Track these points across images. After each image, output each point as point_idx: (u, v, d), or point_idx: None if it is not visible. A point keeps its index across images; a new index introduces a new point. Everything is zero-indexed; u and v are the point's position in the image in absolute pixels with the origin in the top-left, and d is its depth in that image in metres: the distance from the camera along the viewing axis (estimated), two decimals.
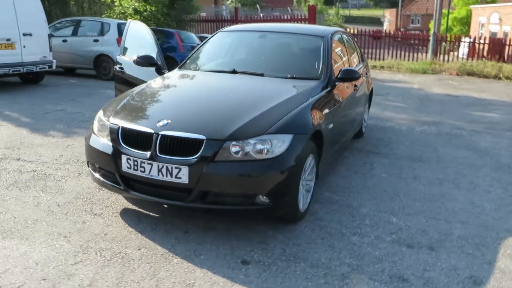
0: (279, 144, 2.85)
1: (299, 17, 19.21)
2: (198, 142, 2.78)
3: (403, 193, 3.97)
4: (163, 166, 2.81)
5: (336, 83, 3.92)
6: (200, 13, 20.34)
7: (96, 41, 10.50)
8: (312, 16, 17.61)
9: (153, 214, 3.34)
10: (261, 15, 22.21)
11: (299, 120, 3.09)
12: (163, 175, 2.82)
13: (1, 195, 3.62)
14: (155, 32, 12.92)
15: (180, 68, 4.31)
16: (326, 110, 3.57)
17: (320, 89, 3.67)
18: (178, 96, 3.56)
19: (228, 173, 2.76)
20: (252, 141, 2.78)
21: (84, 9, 17.12)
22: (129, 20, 5.81)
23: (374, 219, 3.42)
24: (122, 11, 18.36)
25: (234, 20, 19.51)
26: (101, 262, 2.69)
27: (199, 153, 2.76)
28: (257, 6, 32.90)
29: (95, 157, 3.20)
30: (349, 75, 3.91)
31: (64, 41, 10.64)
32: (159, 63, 4.43)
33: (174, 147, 2.82)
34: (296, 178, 2.96)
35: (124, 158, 2.95)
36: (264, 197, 2.83)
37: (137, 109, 3.25)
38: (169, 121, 2.93)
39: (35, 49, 8.44)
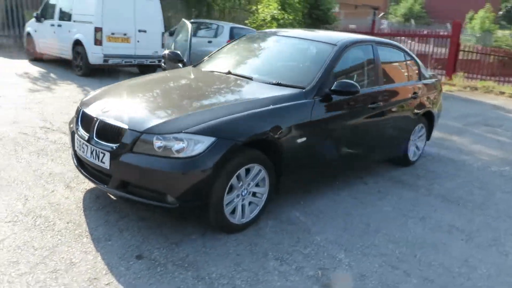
0: (195, 145, 2.74)
1: (443, 33, 17.47)
2: (122, 131, 2.87)
3: (385, 231, 3.39)
4: (94, 149, 2.98)
5: (333, 96, 3.55)
6: (337, 23, 20.16)
7: (209, 42, 11.33)
8: (456, 33, 15.84)
9: (111, 196, 3.53)
10: (401, 29, 20.91)
11: (232, 125, 2.90)
12: (93, 158, 2.99)
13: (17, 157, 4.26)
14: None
15: (194, 66, 4.44)
16: (296, 122, 3.27)
17: (296, 99, 3.38)
18: (143, 90, 3.64)
19: (140, 166, 2.78)
20: (167, 137, 2.74)
21: (225, 14, 18.50)
22: (183, 19, 6.17)
23: (319, 249, 3.01)
24: (263, 18, 19.35)
25: (371, 32, 18.81)
26: (28, 225, 2.98)
27: (119, 142, 2.85)
28: (412, 21, 31.10)
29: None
30: (344, 88, 3.50)
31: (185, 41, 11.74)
32: (185, 60, 4.65)
33: (106, 133, 2.96)
34: (211, 184, 2.80)
35: (76, 137, 3.21)
36: (171, 196, 2.76)
37: (102, 97, 3.47)
38: (110, 109, 3.08)
39: (148, 44, 9.54)
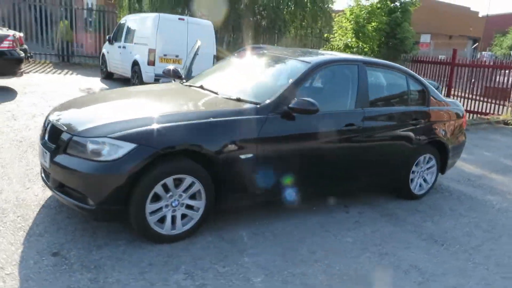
0: (117, 150, 2.81)
1: None
2: (61, 133, 3.05)
3: (327, 262, 3.10)
4: (42, 149, 3.20)
5: (294, 114, 3.42)
6: (415, 53, 19.25)
7: None
8: None
9: None
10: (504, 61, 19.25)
11: (157, 134, 2.92)
12: (41, 157, 3.22)
13: None
14: None
15: (181, 81, 4.59)
16: (240, 137, 3.20)
17: (246, 114, 3.30)
18: (108, 99, 3.79)
19: (67, 166, 2.92)
20: (93, 140, 2.85)
21: (296, 41, 18.67)
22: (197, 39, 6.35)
23: (238, 270, 2.87)
24: (337, 46, 19.22)
25: (451, 62, 17.59)
26: None
27: (57, 143, 3.03)
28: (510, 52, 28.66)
29: None
30: (301, 106, 3.36)
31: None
32: (182, 75, 4.84)
33: (53, 135, 3.17)
34: (128, 190, 2.83)
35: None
36: (90, 199, 2.85)
37: (70, 104, 3.70)
38: (64, 114, 3.29)
39: (199, 66, 9.96)
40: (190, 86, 4.14)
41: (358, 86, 3.98)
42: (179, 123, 3.04)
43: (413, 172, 4.54)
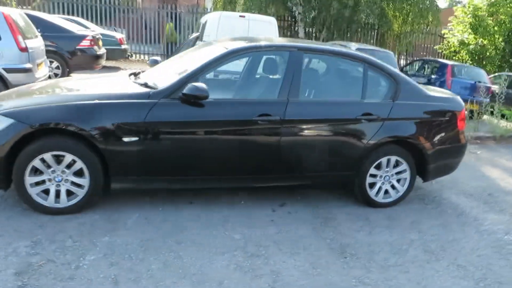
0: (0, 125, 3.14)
1: None
2: None
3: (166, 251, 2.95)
4: None
5: (190, 100, 3.34)
6: None
7: None
8: None
9: None
10: None
11: (35, 111, 3.13)
12: None
13: None
14: (426, 62, 12.05)
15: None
16: (123, 120, 3.25)
17: (136, 98, 3.34)
18: (49, 86, 3.97)
19: None
20: None
21: (401, 39, 17.22)
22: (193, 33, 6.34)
23: (61, 241, 2.94)
24: (452, 43, 17.28)
25: None
26: None
27: None
28: None
29: None
30: (191, 91, 3.28)
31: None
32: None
33: None
34: (6, 161, 3.12)
35: None
36: None
37: (17, 91, 4.07)
38: (2, 104, 3.70)
39: None
40: (130, 75, 4.27)
41: (285, 74, 3.64)
42: (62, 103, 3.24)
43: (373, 175, 3.94)
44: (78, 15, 14.47)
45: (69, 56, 9.14)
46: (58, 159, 3.25)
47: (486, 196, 4.64)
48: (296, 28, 16.50)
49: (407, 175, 4.04)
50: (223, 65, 3.61)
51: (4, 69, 6.19)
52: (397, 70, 4.09)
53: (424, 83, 8.59)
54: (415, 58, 16.15)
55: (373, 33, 16.82)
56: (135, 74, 4.20)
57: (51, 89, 3.75)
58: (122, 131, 3.27)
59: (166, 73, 3.80)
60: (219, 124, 3.48)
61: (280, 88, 3.63)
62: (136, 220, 3.39)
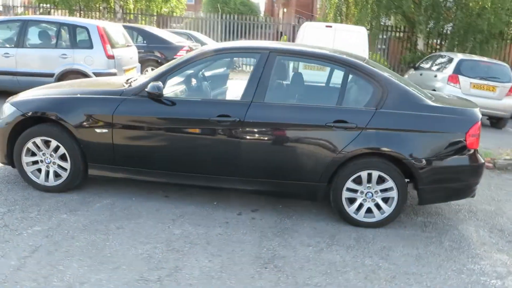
0: (7, 111, 3.83)
1: None
2: None
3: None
4: None
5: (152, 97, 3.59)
6: None
7: (435, 76, 10.01)
8: None
9: None
10: None
11: (30, 102, 3.75)
12: None
13: None
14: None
15: None
16: (95, 113, 3.66)
17: (111, 94, 3.71)
18: (67, 85, 4.57)
19: None
20: (4, 104, 3.97)
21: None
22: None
23: (25, 211, 3.47)
24: None
25: None
26: None
27: None
28: None
29: None
30: (150, 90, 3.55)
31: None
32: None
33: None
34: (8, 143, 3.78)
35: None
36: None
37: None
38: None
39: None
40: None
41: (251, 76, 3.58)
42: (51, 96, 3.80)
43: (352, 190, 3.58)
44: (219, 32, 16.20)
45: None
46: (47, 144, 3.80)
47: (495, 231, 3.77)
48: (415, 39, 15.36)
49: (394, 194, 3.55)
50: (192, 67, 3.75)
51: (94, 73, 7.33)
52: (389, 75, 3.65)
53: None
54: None
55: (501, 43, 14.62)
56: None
57: (62, 85, 4.41)
58: (94, 122, 3.66)
59: (150, 75, 4.11)
60: (177, 122, 3.62)
61: (245, 90, 3.59)
62: (103, 205, 3.73)
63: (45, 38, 7.75)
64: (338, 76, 3.60)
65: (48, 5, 17.27)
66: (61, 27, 7.62)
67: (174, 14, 18.28)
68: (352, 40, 9.74)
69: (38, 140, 3.78)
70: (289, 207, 3.96)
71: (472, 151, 3.55)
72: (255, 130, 3.55)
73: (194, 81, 3.94)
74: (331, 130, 3.48)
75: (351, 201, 3.64)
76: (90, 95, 3.78)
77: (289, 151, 3.56)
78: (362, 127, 3.47)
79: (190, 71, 3.81)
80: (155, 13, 17.95)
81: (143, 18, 17.43)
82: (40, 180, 3.88)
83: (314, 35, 9.86)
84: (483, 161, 3.63)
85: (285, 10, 37.69)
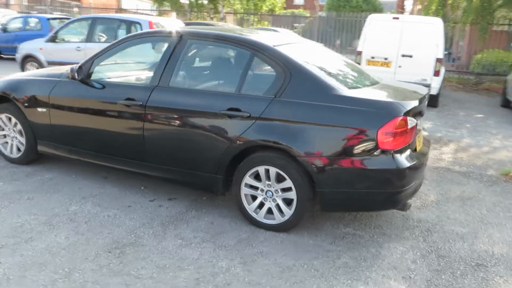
0: None
1: None
2: None
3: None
4: None
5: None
6: None
7: None
8: None
9: None
10: None
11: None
12: None
13: None
14: None
15: None
16: (36, 93, 4.02)
17: (54, 77, 4.01)
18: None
19: None
20: None
21: None
22: None
23: None
24: None
25: None
26: None
27: None
28: None
29: None
30: (70, 71, 3.72)
31: None
32: None
33: None
34: None
35: None
36: None
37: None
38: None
39: (413, 70, 8.66)
40: None
41: (160, 60, 3.49)
42: (14, 78, 4.28)
43: (252, 186, 3.25)
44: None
45: None
46: (10, 121, 4.29)
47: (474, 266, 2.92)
48: None
49: (293, 194, 3.10)
50: (115, 52, 3.80)
51: None
52: (303, 60, 3.16)
53: None
54: None
55: None
56: None
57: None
58: (36, 102, 4.01)
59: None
60: (95, 104, 3.75)
61: (153, 74, 3.52)
62: (42, 179, 4.07)
63: (107, 34, 8.65)
64: (243, 60, 3.28)
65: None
66: (121, 23, 8.43)
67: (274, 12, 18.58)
68: (423, 33, 8.70)
69: (3, 116, 4.30)
70: (213, 201, 3.75)
71: (388, 152, 2.89)
72: (156, 114, 3.46)
73: (118, 66, 4.02)
74: (224, 119, 3.20)
75: (253, 198, 3.30)
76: (37, 77, 4.15)
77: (187, 139, 3.39)
78: (255, 116, 3.11)
79: (118, 56, 3.88)
80: (259, 12, 18.48)
81: (246, 17, 18.09)
82: (7, 152, 4.40)
83: (379, 28, 9.07)
84: (405, 165, 2.92)
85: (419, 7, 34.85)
